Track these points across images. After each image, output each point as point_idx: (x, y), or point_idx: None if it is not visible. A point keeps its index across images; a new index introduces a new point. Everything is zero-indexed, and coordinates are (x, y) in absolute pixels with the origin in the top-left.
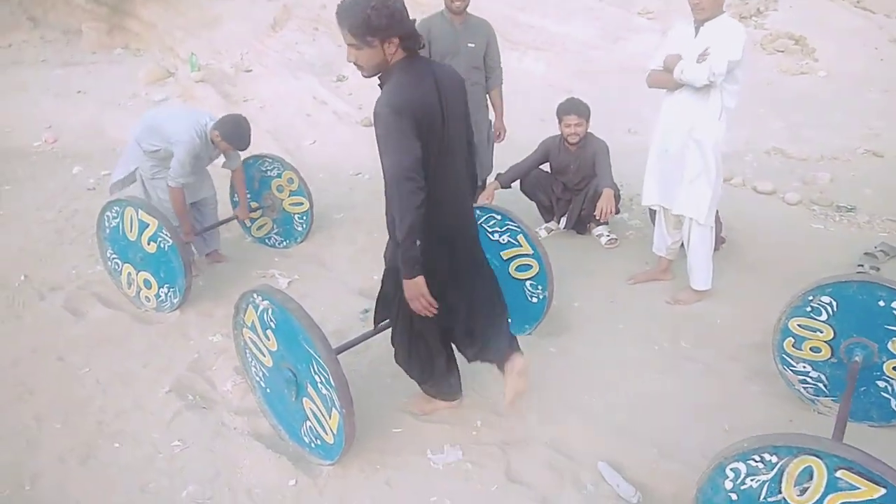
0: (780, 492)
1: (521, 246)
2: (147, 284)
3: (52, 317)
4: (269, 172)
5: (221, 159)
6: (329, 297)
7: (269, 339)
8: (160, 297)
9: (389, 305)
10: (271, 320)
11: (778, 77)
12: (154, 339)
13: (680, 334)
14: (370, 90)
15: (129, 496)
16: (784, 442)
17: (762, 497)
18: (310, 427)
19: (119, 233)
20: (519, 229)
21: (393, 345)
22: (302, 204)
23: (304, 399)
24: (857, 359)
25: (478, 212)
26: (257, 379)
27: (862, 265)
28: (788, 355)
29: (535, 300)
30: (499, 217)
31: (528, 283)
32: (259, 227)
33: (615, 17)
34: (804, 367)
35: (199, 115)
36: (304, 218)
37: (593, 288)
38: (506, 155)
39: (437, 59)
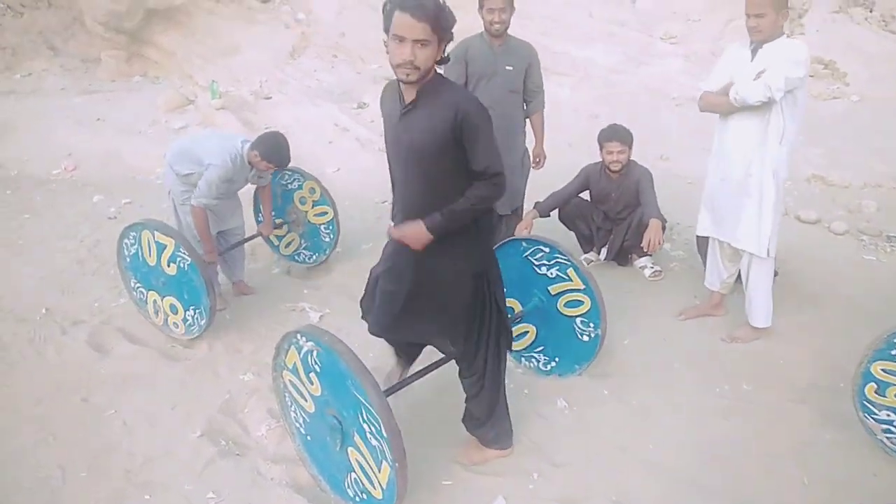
0: None
1: (571, 280)
2: (173, 310)
3: (75, 353)
4: (290, 185)
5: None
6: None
7: (312, 384)
8: (187, 320)
9: (470, 330)
10: (316, 363)
11: (810, 102)
12: (182, 377)
13: (741, 375)
14: None
15: None
16: None
17: None
18: (355, 479)
19: (139, 259)
20: (569, 262)
21: (477, 372)
22: (326, 213)
23: (350, 449)
24: None
25: (523, 244)
26: (297, 425)
27: None
28: (870, 402)
29: (585, 338)
30: (547, 249)
31: (578, 320)
32: (287, 245)
33: (638, 41)
34: (888, 415)
35: (232, 138)
36: (331, 228)
37: (642, 324)
38: (535, 182)
39: (473, 81)
